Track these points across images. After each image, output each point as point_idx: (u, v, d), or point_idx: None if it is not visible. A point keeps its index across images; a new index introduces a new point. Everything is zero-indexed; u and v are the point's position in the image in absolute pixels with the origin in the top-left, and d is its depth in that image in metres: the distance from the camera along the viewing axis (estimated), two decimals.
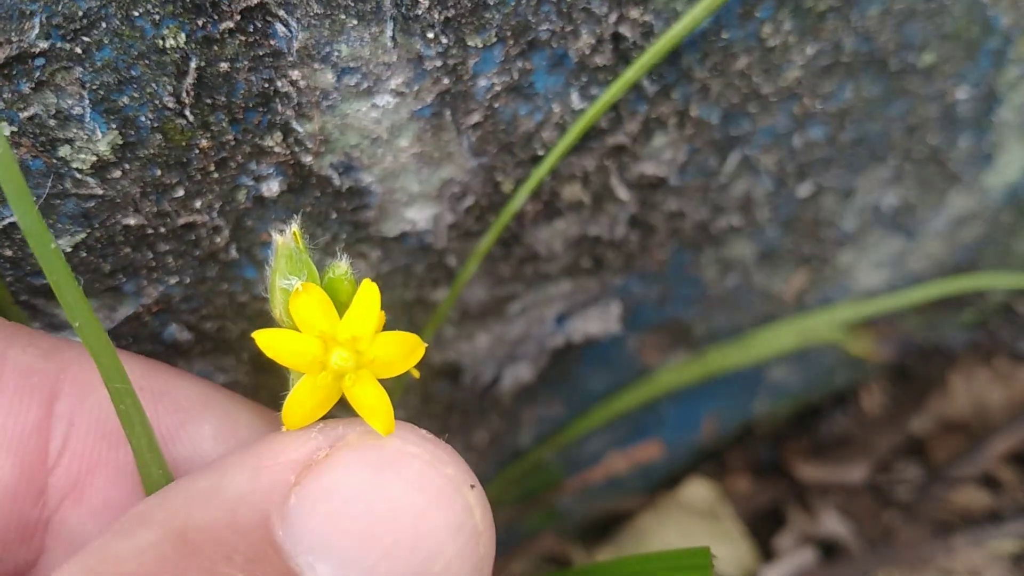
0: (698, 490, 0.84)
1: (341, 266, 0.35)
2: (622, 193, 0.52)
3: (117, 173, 0.38)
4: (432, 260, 0.51)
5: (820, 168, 0.60)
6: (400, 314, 0.54)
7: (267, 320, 0.35)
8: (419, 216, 0.48)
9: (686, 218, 0.58)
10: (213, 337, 0.48)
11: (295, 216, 0.41)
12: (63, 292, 0.29)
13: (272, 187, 0.42)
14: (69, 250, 0.40)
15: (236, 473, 0.31)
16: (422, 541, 0.31)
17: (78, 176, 0.38)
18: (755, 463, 0.94)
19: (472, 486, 0.32)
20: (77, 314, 0.30)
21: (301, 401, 0.33)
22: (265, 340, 0.33)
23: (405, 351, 0.35)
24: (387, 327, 0.55)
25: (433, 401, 0.63)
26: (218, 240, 0.43)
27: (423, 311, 0.55)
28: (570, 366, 0.67)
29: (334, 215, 0.45)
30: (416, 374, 0.37)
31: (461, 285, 0.51)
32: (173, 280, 0.44)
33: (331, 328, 0.33)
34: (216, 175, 0.41)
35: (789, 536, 0.89)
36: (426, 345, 0.36)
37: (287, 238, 0.34)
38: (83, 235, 0.40)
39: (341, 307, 0.35)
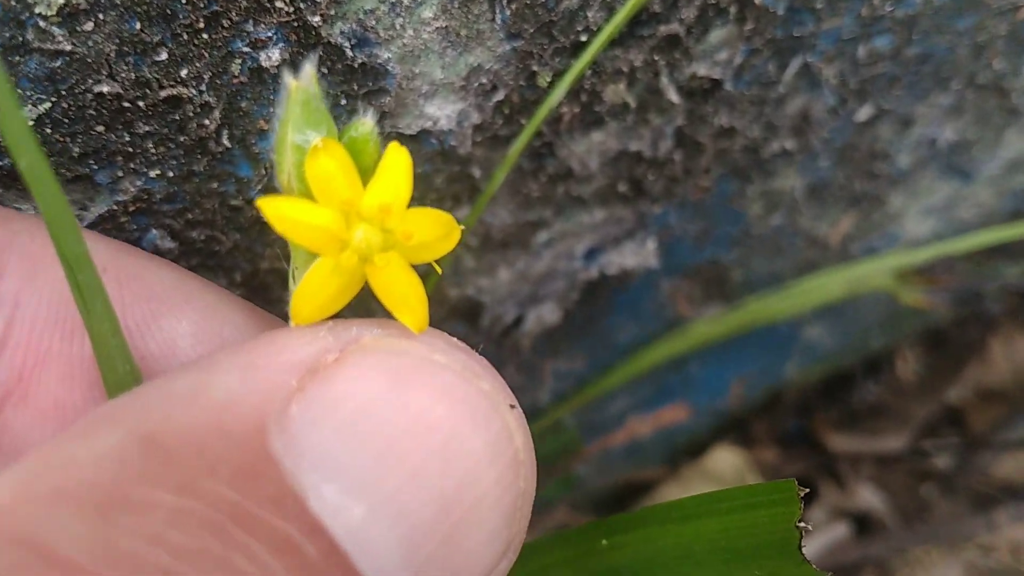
0: (725, 458, 0.78)
1: (366, 123, 0.29)
2: (673, 96, 0.46)
3: (89, 25, 0.32)
4: (454, 169, 0.45)
5: (882, 87, 0.54)
6: None
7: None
8: (441, 112, 0.42)
9: (736, 137, 0.51)
10: (201, 249, 0.42)
11: (310, 56, 0.34)
12: (5, 119, 0.23)
13: (272, 55, 0.36)
14: (32, 120, 0.34)
15: (225, 372, 0.25)
16: (456, 464, 0.25)
17: (42, 25, 0.31)
18: (782, 434, 0.88)
19: (512, 406, 0.27)
20: (22, 150, 0.23)
21: (316, 289, 0.27)
22: (273, 209, 0.26)
23: (441, 231, 0.29)
24: None
25: None
26: (207, 123, 0.37)
27: None
28: (597, 312, 0.61)
29: (344, 101, 0.39)
30: (439, 269, 0.30)
31: (487, 198, 0.45)
32: (154, 172, 0.37)
33: (355, 198, 0.27)
34: (206, 35, 0.34)
35: (820, 510, 0.83)
36: (462, 227, 0.29)
37: (304, 80, 0.27)
38: (47, 104, 0.33)
39: (364, 174, 0.28)
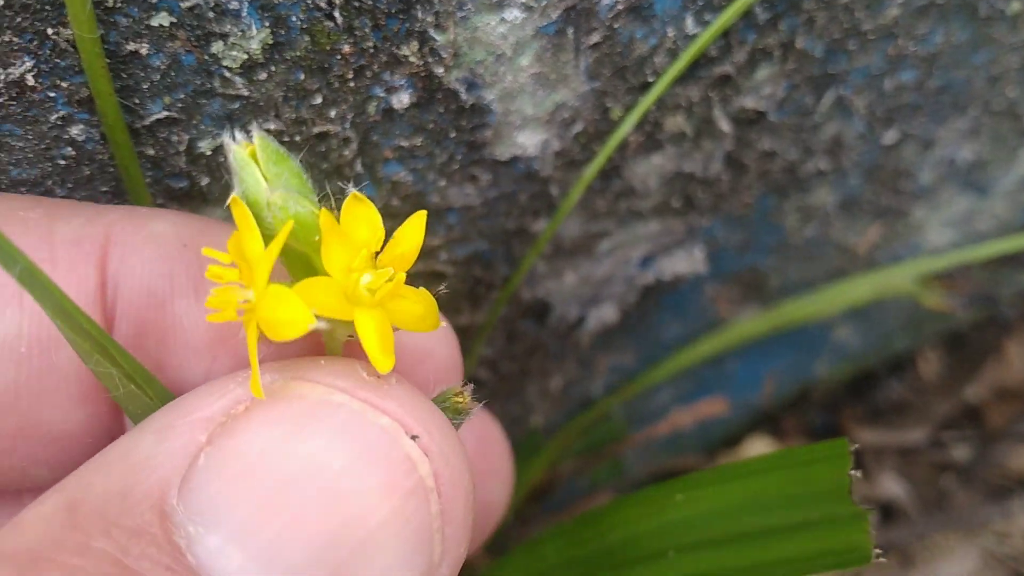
0: (761, 448, 0.84)
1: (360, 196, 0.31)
2: (724, 125, 0.53)
3: (263, 75, 0.39)
4: (536, 189, 0.52)
5: (907, 114, 0.61)
6: (499, 244, 0.55)
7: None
8: (530, 141, 0.49)
9: (777, 158, 0.58)
10: None
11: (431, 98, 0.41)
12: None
13: (402, 99, 0.43)
14: (209, 153, 0.42)
15: (144, 436, 0.28)
16: (339, 505, 0.27)
17: (227, 75, 0.39)
18: (810, 427, 0.94)
19: (415, 437, 0.28)
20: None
21: (306, 299, 0.28)
22: (326, 222, 0.29)
23: (425, 310, 0.31)
24: (487, 255, 0.56)
25: (518, 341, 0.64)
26: (346, 153, 0.44)
27: (520, 242, 0.56)
28: (648, 312, 0.68)
29: (453, 134, 0.46)
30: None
31: (564, 213, 0.52)
32: None
33: (369, 248, 0.30)
34: (352, 83, 0.42)
35: None
36: (443, 324, 0.32)
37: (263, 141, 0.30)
38: (224, 138, 0.41)
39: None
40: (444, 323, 0.33)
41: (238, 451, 0.27)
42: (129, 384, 0.30)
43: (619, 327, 0.67)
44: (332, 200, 0.31)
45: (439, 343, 0.38)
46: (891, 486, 0.88)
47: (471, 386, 0.34)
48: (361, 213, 0.31)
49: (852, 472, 0.38)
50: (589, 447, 0.79)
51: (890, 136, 0.62)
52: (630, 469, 0.86)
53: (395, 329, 0.30)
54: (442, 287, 0.33)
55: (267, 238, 0.29)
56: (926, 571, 0.87)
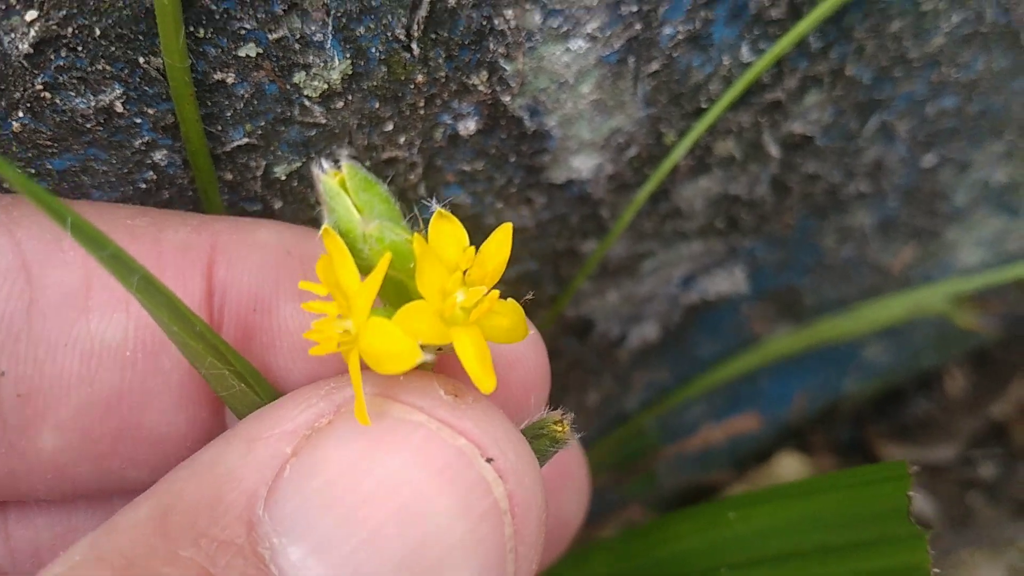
0: (792, 464, 0.85)
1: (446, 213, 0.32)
2: (772, 149, 0.54)
3: (340, 103, 0.41)
4: (587, 211, 0.53)
5: (945, 139, 0.62)
6: (548, 264, 0.56)
7: None
8: (584, 165, 0.50)
9: (820, 181, 0.59)
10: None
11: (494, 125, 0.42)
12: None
13: (469, 126, 0.44)
14: (283, 178, 0.43)
15: (232, 446, 0.29)
16: (416, 524, 0.27)
17: (306, 103, 0.40)
18: (837, 443, 0.95)
19: (490, 459, 0.29)
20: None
21: (404, 327, 0.29)
22: (420, 247, 0.29)
23: (516, 321, 0.32)
24: (536, 275, 0.57)
25: (559, 357, 0.65)
26: (411, 177, 0.46)
27: (569, 262, 0.57)
28: (687, 330, 0.69)
29: (513, 158, 0.48)
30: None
31: (616, 235, 0.53)
32: None
33: (460, 265, 0.31)
34: (423, 111, 0.43)
35: None
36: (532, 332, 0.33)
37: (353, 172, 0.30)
38: (299, 164, 0.42)
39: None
40: (532, 330, 0.33)
41: (321, 465, 0.28)
42: (240, 383, 0.31)
43: (657, 345, 0.68)
44: (420, 222, 0.32)
45: (529, 348, 0.38)
46: (918, 502, 0.89)
47: (571, 415, 0.34)
48: (448, 231, 0.31)
49: (910, 493, 0.39)
50: (623, 461, 0.80)
51: (928, 160, 0.63)
52: (661, 484, 0.87)
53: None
54: (529, 294, 0.34)
55: (362, 268, 0.30)
56: None
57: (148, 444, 0.35)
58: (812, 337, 0.73)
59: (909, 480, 0.39)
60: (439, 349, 0.31)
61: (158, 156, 0.40)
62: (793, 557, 0.44)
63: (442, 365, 0.33)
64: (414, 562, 0.27)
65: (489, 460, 0.29)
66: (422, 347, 0.30)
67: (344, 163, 0.31)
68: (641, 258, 0.60)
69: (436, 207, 0.31)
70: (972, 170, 0.67)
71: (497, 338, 0.31)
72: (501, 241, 0.32)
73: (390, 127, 0.43)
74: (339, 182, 0.31)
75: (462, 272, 0.31)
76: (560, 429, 0.34)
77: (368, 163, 0.44)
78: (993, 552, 0.89)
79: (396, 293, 0.32)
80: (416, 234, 0.30)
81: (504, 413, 0.32)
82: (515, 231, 0.53)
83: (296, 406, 0.30)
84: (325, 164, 0.31)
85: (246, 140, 0.40)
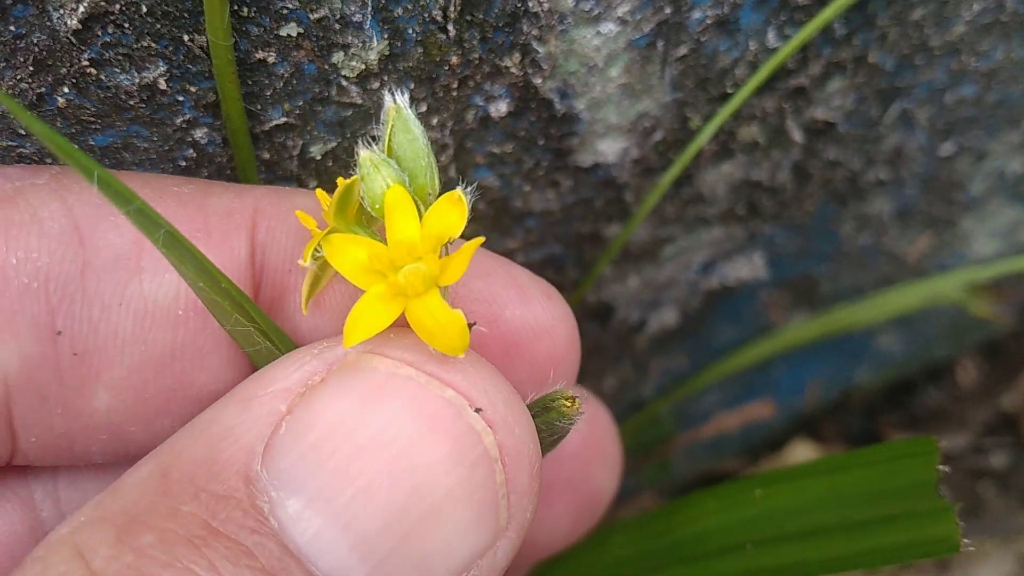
0: (805, 452, 0.86)
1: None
2: (796, 136, 0.55)
3: (376, 84, 0.41)
4: (612, 195, 0.54)
5: (964, 127, 0.63)
6: (572, 248, 0.57)
7: None
8: (610, 149, 0.51)
9: (840, 168, 0.60)
10: None
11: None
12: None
13: (500, 108, 0.45)
14: (319, 158, 0.43)
15: (228, 406, 0.30)
16: (408, 475, 0.28)
17: (344, 83, 0.41)
18: (849, 434, 0.96)
19: (479, 410, 0.30)
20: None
21: (362, 314, 0.30)
22: (331, 246, 0.31)
23: (444, 328, 0.31)
24: (560, 259, 0.58)
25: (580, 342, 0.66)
26: (442, 159, 0.46)
27: (592, 246, 0.57)
28: (704, 317, 0.70)
29: (542, 141, 0.48)
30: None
31: (640, 219, 0.54)
32: None
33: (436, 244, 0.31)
34: (456, 92, 0.44)
35: None
36: (483, 238, 0.32)
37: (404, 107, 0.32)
38: (334, 143, 0.43)
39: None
40: (545, 292, 0.34)
41: (315, 420, 0.29)
42: (265, 341, 0.31)
43: (676, 331, 0.69)
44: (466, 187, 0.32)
45: (558, 322, 0.39)
46: None
47: (585, 392, 0.34)
48: (447, 211, 0.31)
49: (940, 467, 0.39)
50: (638, 447, 0.81)
51: (947, 148, 0.64)
52: (675, 471, 0.88)
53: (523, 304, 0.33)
54: (474, 324, 0.33)
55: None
56: (962, 575, 0.88)
57: (199, 403, 0.36)
58: (827, 326, 0.73)
59: (938, 455, 0.40)
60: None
61: (199, 134, 0.41)
62: (819, 533, 0.44)
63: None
64: (408, 511, 0.28)
65: (478, 410, 0.30)
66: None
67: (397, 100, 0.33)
68: (663, 243, 0.60)
69: (461, 189, 0.32)
70: (988, 160, 0.68)
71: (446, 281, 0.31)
72: (466, 253, 0.31)
73: (424, 108, 0.43)
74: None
75: (436, 248, 0.31)
76: (568, 404, 0.34)
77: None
78: (1004, 541, 0.90)
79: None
80: (397, 184, 0.31)
81: (493, 367, 0.32)
82: (542, 214, 0.54)
83: (290, 365, 0.31)
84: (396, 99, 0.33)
85: (284, 119, 0.41)
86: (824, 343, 0.82)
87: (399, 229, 0.31)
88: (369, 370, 0.30)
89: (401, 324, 0.31)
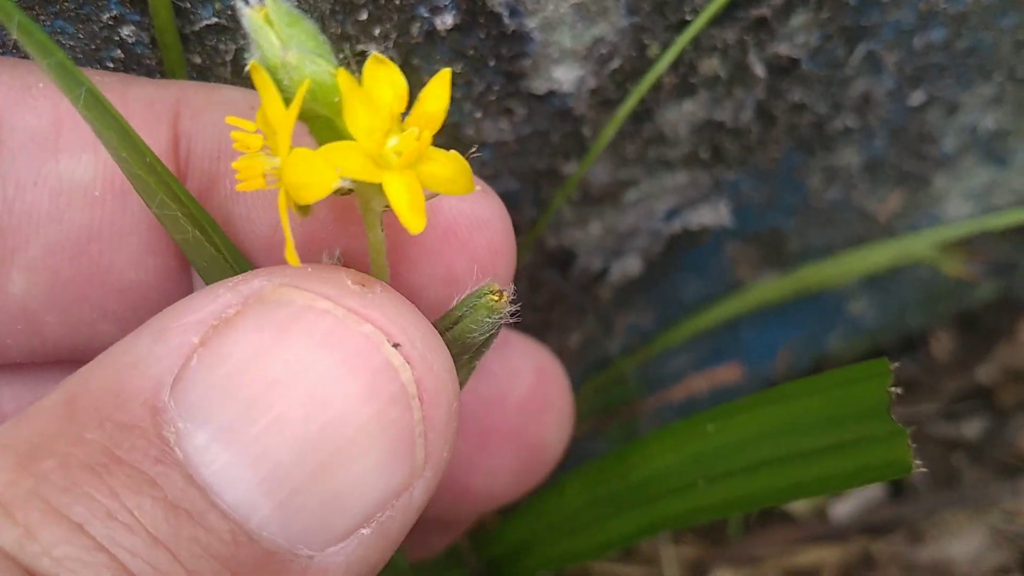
0: None
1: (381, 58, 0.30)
2: (758, 70, 0.53)
3: None
4: (568, 128, 0.53)
5: (934, 75, 0.61)
6: (528, 185, 0.55)
7: None
8: (566, 76, 0.49)
9: (806, 112, 0.59)
10: None
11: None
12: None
13: (446, 20, 0.43)
14: None
15: (141, 337, 0.29)
16: (321, 409, 0.28)
17: None
18: None
19: (397, 345, 0.29)
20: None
21: (329, 159, 0.28)
22: (344, 81, 0.28)
23: (456, 170, 0.30)
24: (516, 196, 0.56)
25: (541, 290, 0.64)
26: None
27: (550, 184, 0.56)
28: (670, 269, 0.69)
29: (492, 62, 0.47)
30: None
31: (596, 152, 0.52)
32: None
33: (396, 111, 0.29)
34: (398, 1, 0.42)
35: None
36: (477, 188, 0.31)
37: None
38: None
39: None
40: (480, 187, 0.32)
41: (228, 352, 0.28)
42: (193, 229, 0.30)
43: (640, 283, 0.67)
44: (353, 64, 0.31)
45: (494, 214, 0.38)
46: None
47: (512, 287, 0.33)
48: (383, 75, 0.30)
49: (892, 389, 0.38)
50: (603, 408, 0.79)
51: (917, 97, 0.62)
52: (643, 434, 0.86)
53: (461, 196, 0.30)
54: (474, 149, 0.33)
55: (288, 102, 0.29)
56: (935, 548, 0.87)
57: (117, 291, 0.35)
58: (797, 283, 0.72)
59: (890, 376, 0.38)
60: (386, 207, 0.31)
61: (125, 32, 0.39)
62: (771, 463, 0.43)
63: (350, 262, 0.33)
64: (319, 446, 0.28)
65: (396, 346, 0.29)
66: (362, 191, 0.30)
67: None
68: (624, 186, 0.59)
69: (373, 52, 0.30)
70: (961, 113, 0.67)
71: (437, 187, 0.30)
72: (440, 86, 0.30)
73: (364, 15, 0.42)
74: (263, 17, 0.30)
75: (398, 116, 0.30)
76: (496, 298, 0.33)
77: (341, 56, 0.43)
78: (976, 513, 0.89)
79: (330, 136, 0.31)
80: (341, 69, 0.29)
81: (412, 304, 0.31)
82: (496, 145, 0.52)
83: (205, 297, 0.30)
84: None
85: (215, 20, 0.39)
86: (795, 308, 0.81)
87: (379, 96, 0.29)
88: (286, 303, 0.29)
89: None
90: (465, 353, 0.34)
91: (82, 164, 0.33)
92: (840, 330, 0.86)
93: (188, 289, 0.37)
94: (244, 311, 0.29)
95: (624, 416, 0.80)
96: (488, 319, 0.33)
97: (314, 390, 0.28)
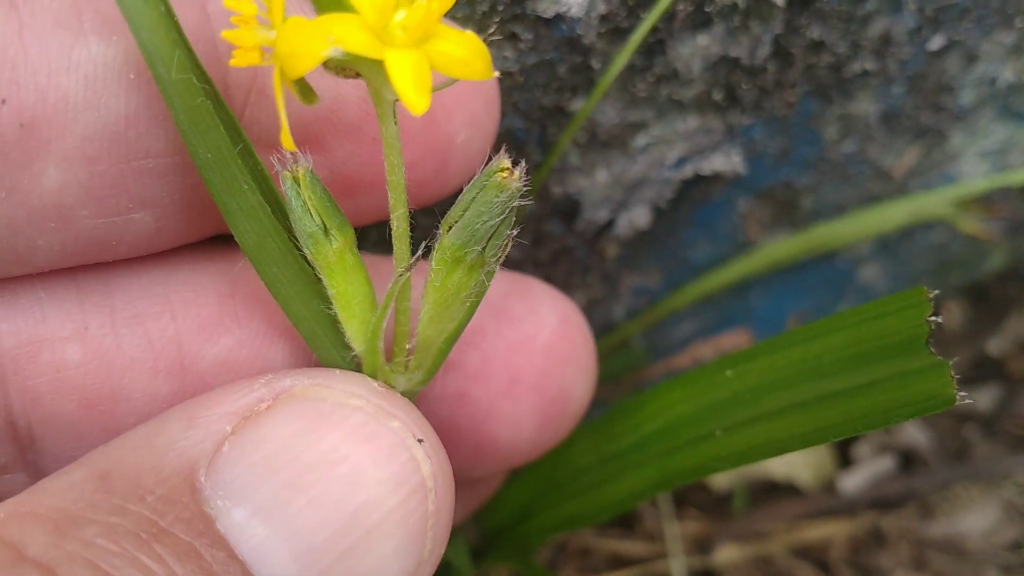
0: None
1: None
2: (778, 0, 0.50)
3: None
4: (576, 60, 0.49)
5: (954, 18, 0.59)
6: (534, 124, 0.52)
7: None
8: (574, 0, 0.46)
9: (824, 52, 0.56)
10: None
11: None
12: None
13: None
14: None
15: (171, 423, 0.31)
16: (354, 493, 0.30)
17: None
18: None
19: (421, 440, 0.32)
20: None
21: (334, 27, 0.26)
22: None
23: (470, 52, 0.29)
24: (520, 135, 0.53)
25: (544, 244, 0.61)
26: None
27: (556, 124, 0.53)
28: (678, 225, 0.66)
29: None
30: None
31: (607, 84, 0.49)
32: None
33: None
34: None
35: (867, 445, 0.87)
36: (497, 74, 0.30)
37: None
38: None
39: None
40: (497, 74, 0.30)
41: (263, 438, 0.31)
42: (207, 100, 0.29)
43: (647, 239, 0.64)
44: None
45: (476, 93, 0.39)
46: (913, 433, 0.86)
47: (523, 164, 0.31)
48: None
49: (931, 318, 0.35)
50: (609, 376, 0.76)
51: (936, 41, 0.60)
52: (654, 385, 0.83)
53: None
54: (492, 30, 0.31)
55: None
56: (946, 523, 0.85)
57: (155, 177, 0.34)
58: (809, 242, 0.69)
59: (928, 306, 0.35)
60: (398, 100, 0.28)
61: None
62: (795, 408, 0.40)
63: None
64: (350, 527, 0.30)
65: (420, 441, 0.32)
66: (370, 76, 0.29)
67: None
68: (634, 129, 0.56)
69: None
70: (980, 63, 0.64)
71: (448, 69, 0.28)
72: None
73: None
74: None
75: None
76: (505, 175, 0.31)
77: None
78: (989, 487, 0.86)
79: (335, 9, 0.28)
80: None
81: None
82: (500, 76, 0.49)
83: (235, 391, 0.32)
84: None
85: None
86: (804, 276, 0.78)
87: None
88: (318, 399, 0.32)
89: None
90: (477, 244, 0.32)
91: (113, 46, 0.32)
92: (850, 298, 0.83)
93: None
94: (277, 405, 0.31)
95: (630, 384, 0.77)
96: (498, 198, 0.31)
97: (348, 474, 0.30)
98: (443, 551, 0.33)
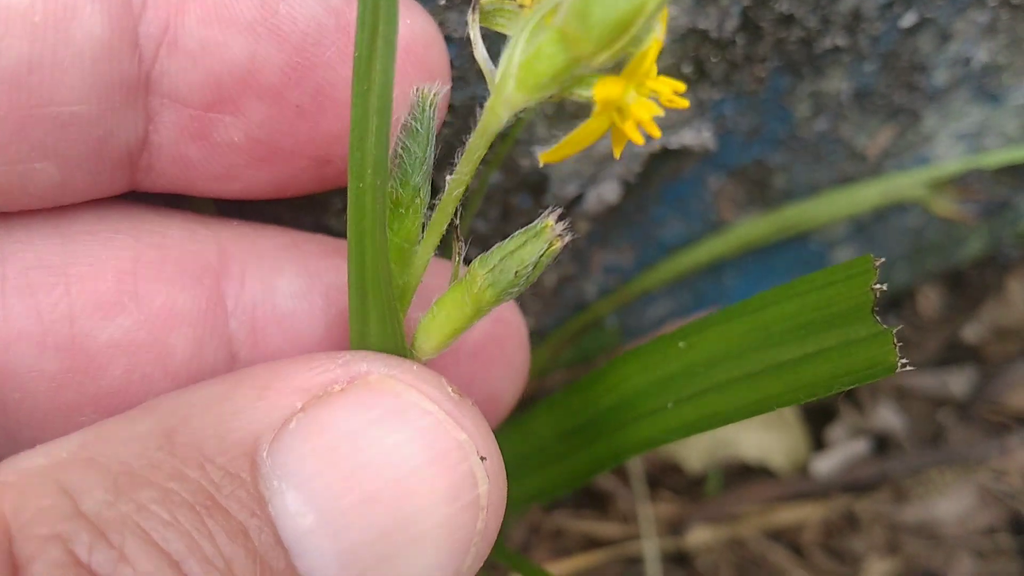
0: None
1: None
2: None
3: None
4: None
5: None
6: None
7: None
8: None
9: (794, 26, 0.55)
10: None
11: None
12: None
13: None
14: None
15: (242, 387, 0.31)
16: (407, 498, 0.30)
17: None
18: None
19: (484, 458, 0.32)
20: None
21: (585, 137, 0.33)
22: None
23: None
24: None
25: (512, 219, 0.61)
26: None
27: None
28: (647, 201, 0.65)
29: None
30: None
31: None
32: None
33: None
34: None
35: (841, 428, 0.87)
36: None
37: None
38: None
39: None
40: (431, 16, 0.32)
41: (330, 424, 0.30)
42: None
43: (618, 214, 0.64)
44: None
45: (440, 35, 0.39)
46: (888, 417, 0.86)
47: (558, 211, 0.34)
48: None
49: (875, 286, 0.35)
50: (580, 356, 0.76)
51: (909, 18, 0.59)
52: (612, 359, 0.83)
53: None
54: None
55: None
56: (920, 507, 0.85)
57: (58, 125, 0.33)
58: (782, 221, 0.69)
59: (873, 273, 0.35)
60: None
61: None
62: (744, 379, 0.40)
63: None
64: (397, 532, 0.30)
65: (483, 459, 0.32)
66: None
67: None
68: None
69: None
70: (953, 42, 0.64)
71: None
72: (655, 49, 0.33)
73: None
74: None
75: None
76: (553, 236, 0.34)
77: None
78: (964, 471, 0.86)
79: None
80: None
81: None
82: (461, 42, 0.49)
83: (311, 366, 0.32)
84: None
85: None
86: (778, 257, 0.78)
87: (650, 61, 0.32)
88: (392, 394, 0.31)
89: None
90: (510, 288, 0.34)
91: None
92: None
93: (132, 122, 0.34)
94: (350, 390, 0.31)
95: (602, 364, 0.77)
96: (542, 252, 0.34)
97: (405, 479, 0.30)
98: (479, 569, 0.33)
